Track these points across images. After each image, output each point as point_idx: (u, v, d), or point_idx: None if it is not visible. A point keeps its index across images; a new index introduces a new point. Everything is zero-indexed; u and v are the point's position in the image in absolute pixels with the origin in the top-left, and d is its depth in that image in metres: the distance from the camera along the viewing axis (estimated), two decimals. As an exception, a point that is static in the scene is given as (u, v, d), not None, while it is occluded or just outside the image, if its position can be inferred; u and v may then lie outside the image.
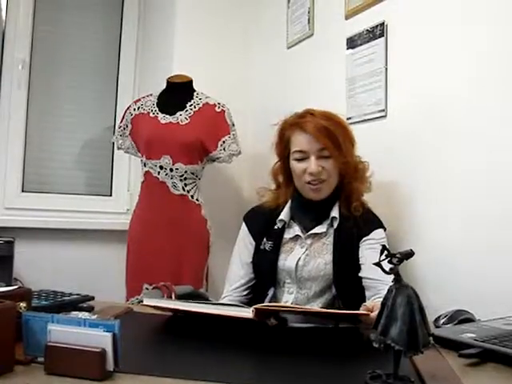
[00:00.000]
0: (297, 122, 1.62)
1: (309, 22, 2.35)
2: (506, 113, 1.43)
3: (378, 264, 0.84)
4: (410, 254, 0.84)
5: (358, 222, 1.61)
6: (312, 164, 1.58)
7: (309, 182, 1.60)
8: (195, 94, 2.40)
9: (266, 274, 1.64)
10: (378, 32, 1.89)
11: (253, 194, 2.70)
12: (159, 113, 2.34)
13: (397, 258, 0.83)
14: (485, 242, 1.47)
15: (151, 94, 2.44)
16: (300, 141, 1.61)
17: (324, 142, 1.57)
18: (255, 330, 1.18)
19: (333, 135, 1.58)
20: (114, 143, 2.52)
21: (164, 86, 2.43)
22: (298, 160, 1.62)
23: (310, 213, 1.65)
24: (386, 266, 0.84)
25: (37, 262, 2.49)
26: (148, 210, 2.32)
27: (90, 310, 1.34)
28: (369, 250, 1.56)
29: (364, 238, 1.59)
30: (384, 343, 0.80)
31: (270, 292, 1.62)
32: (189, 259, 2.26)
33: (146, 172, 2.32)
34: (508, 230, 1.41)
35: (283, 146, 1.68)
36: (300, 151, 1.61)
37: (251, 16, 2.86)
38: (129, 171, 2.92)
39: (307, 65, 2.39)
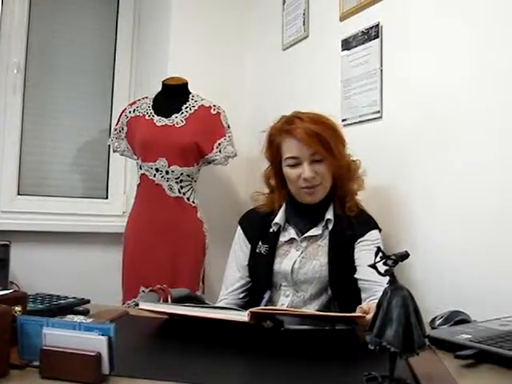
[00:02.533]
0: (286, 129, 1.61)
1: (304, 24, 2.36)
2: (502, 113, 1.44)
3: (374, 266, 0.84)
4: (405, 256, 0.84)
5: (353, 224, 1.61)
6: (306, 170, 1.58)
7: (303, 187, 1.60)
8: (191, 96, 2.40)
9: (262, 277, 1.64)
10: (372, 33, 1.89)
11: (249, 196, 2.70)
12: (155, 115, 2.34)
13: (392, 260, 0.83)
14: (481, 243, 1.47)
15: (147, 97, 2.44)
16: (291, 147, 1.61)
17: (315, 147, 1.57)
18: (251, 332, 1.18)
19: (323, 139, 1.57)
20: (109, 146, 2.52)
21: (159, 88, 2.43)
22: (291, 166, 1.62)
23: (304, 216, 1.65)
24: (382, 267, 0.84)
25: (33, 265, 2.48)
26: (144, 212, 2.32)
27: (86, 313, 1.33)
28: (364, 252, 1.56)
29: (359, 240, 1.59)
30: (379, 345, 0.80)
31: (267, 295, 1.62)
32: (185, 262, 2.26)
33: (141, 175, 2.32)
34: (504, 231, 1.41)
35: (274, 152, 1.67)
36: (292, 157, 1.60)
37: (246, 18, 2.86)
38: (125, 174, 2.91)
39: (302, 67, 2.39)
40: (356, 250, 1.58)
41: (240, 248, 1.71)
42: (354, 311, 1.27)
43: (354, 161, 1.68)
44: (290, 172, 1.62)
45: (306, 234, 1.63)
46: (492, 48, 1.47)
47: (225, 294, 1.69)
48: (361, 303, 1.44)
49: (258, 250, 1.66)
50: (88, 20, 2.93)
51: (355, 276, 1.55)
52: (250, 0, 2.87)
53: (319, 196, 1.62)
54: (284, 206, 1.69)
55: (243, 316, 1.11)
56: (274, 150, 1.67)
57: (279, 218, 1.67)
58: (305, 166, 1.58)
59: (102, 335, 0.83)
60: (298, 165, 1.60)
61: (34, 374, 0.85)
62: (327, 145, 1.58)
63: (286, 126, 1.62)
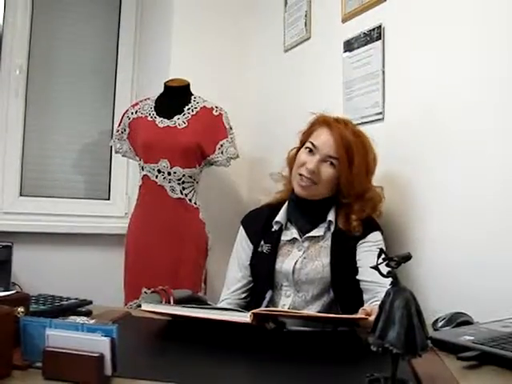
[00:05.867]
0: (328, 122, 1.62)
1: (306, 26, 2.36)
2: (504, 114, 1.43)
3: (376, 267, 0.84)
4: (407, 258, 0.84)
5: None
6: (312, 162, 1.58)
7: (300, 174, 1.60)
8: (193, 97, 2.40)
9: (263, 276, 1.64)
10: (374, 35, 1.89)
11: (251, 197, 2.71)
12: (157, 117, 2.34)
13: (394, 262, 0.83)
14: (484, 245, 1.47)
15: (149, 98, 2.44)
16: (319, 137, 1.61)
17: (339, 152, 1.57)
18: (253, 333, 1.18)
19: (351, 153, 1.57)
20: (111, 147, 2.52)
21: (161, 89, 2.43)
22: (306, 151, 1.62)
23: (306, 215, 1.65)
24: (384, 269, 0.84)
25: (35, 266, 2.49)
26: (146, 213, 2.32)
27: (88, 314, 1.34)
28: (366, 253, 1.56)
29: (361, 241, 1.59)
30: (382, 346, 0.80)
31: (268, 295, 1.61)
32: (187, 263, 2.26)
33: (143, 176, 2.32)
34: (507, 231, 1.40)
35: (307, 135, 1.68)
36: (313, 145, 1.61)
37: (248, 20, 2.86)
38: (127, 175, 2.92)
39: (304, 68, 2.39)
40: (358, 252, 1.58)
41: (242, 248, 1.71)
42: (356, 312, 1.27)
43: (374, 191, 1.65)
44: (302, 155, 1.63)
45: (308, 235, 1.62)
46: (494, 49, 1.47)
47: (227, 294, 1.69)
48: (363, 304, 1.44)
49: (260, 249, 1.66)
50: (90, 22, 2.94)
51: (357, 277, 1.55)
52: (251, 2, 2.87)
53: (310, 193, 1.61)
54: (286, 204, 1.69)
55: (245, 317, 1.11)
56: (308, 133, 1.68)
57: (280, 216, 1.67)
58: (314, 158, 1.59)
59: (105, 336, 0.83)
60: (312, 154, 1.60)
61: (37, 374, 0.85)
62: (351, 158, 1.57)
63: (331, 120, 1.64)
